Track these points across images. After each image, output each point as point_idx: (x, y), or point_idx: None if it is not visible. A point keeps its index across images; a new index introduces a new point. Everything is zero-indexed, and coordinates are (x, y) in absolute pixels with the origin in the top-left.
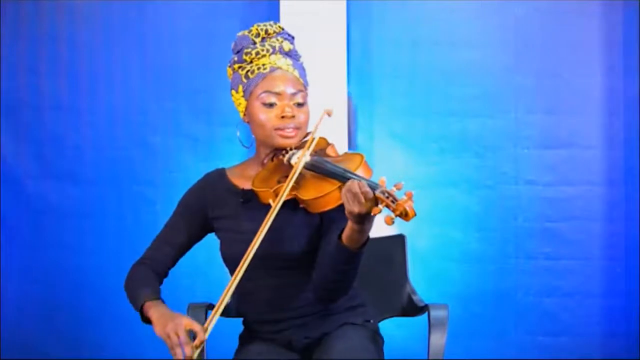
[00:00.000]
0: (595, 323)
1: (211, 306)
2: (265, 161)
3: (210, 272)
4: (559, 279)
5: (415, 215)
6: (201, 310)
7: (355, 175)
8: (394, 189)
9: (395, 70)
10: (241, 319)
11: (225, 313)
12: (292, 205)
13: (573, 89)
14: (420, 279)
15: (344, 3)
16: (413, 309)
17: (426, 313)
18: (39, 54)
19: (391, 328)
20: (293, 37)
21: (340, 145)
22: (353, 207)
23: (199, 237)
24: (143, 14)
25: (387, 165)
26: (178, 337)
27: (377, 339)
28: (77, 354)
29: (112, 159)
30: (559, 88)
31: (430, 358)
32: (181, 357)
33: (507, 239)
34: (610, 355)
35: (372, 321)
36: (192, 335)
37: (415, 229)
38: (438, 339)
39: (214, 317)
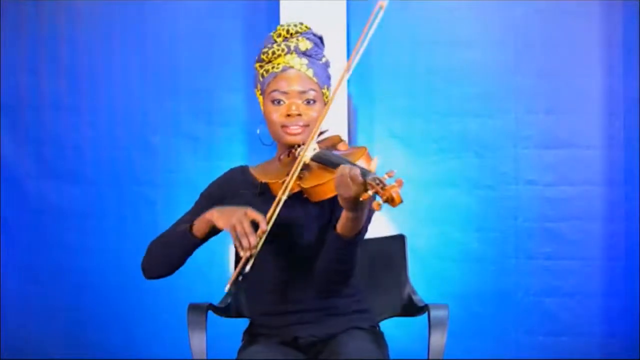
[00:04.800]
0: (595, 323)
1: (211, 306)
2: (281, 157)
3: (210, 273)
4: (559, 279)
5: (401, 201)
6: (201, 311)
7: (353, 164)
8: (385, 176)
9: (395, 70)
10: (242, 319)
11: (226, 313)
12: (300, 199)
13: (573, 89)
14: (420, 279)
15: (344, 3)
16: (413, 309)
17: (426, 313)
18: (39, 54)
19: (391, 328)
20: (319, 37)
21: None
22: (343, 191)
23: (217, 231)
24: (143, 14)
25: (387, 166)
26: (243, 227)
27: (382, 343)
28: (77, 354)
29: (112, 159)
30: (559, 88)
31: (430, 358)
32: (247, 246)
33: (507, 239)
34: (610, 355)
35: (377, 327)
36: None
37: (415, 229)
38: (438, 339)
39: (277, 208)
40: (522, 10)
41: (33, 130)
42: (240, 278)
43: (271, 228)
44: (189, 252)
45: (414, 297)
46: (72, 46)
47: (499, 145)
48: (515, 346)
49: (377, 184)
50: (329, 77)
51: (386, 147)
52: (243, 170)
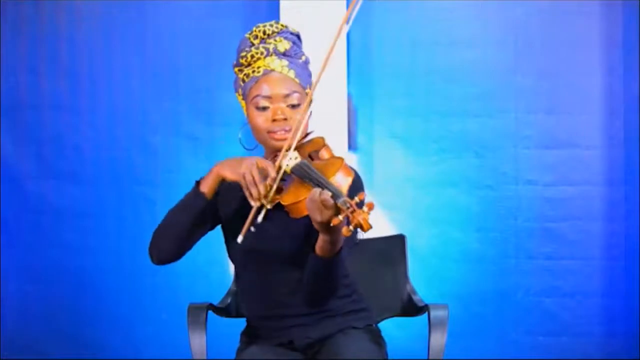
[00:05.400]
0: (595, 323)
1: (211, 306)
2: None
3: (210, 273)
4: (559, 279)
5: (370, 228)
6: (201, 311)
7: (326, 182)
8: (356, 199)
9: (395, 70)
10: (242, 319)
11: (226, 313)
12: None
13: (573, 89)
14: (420, 279)
15: (344, 3)
16: (413, 309)
17: (426, 313)
18: (39, 54)
19: (391, 328)
20: (297, 35)
21: (340, 145)
22: (315, 216)
23: (211, 222)
24: (143, 14)
25: (387, 165)
26: (252, 176)
27: (380, 341)
28: (77, 354)
29: (112, 159)
30: (559, 88)
31: (430, 358)
32: (257, 195)
33: (507, 239)
34: (610, 355)
35: (374, 325)
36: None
37: (415, 229)
38: (438, 339)
39: (284, 152)
40: (522, 10)
41: (33, 130)
42: (252, 229)
43: (259, 235)
44: (197, 216)
45: (414, 297)
46: (72, 46)
47: (499, 145)
48: (515, 346)
49: (347, 208)
50: (310, 75)
51: (386, 147)
52: None
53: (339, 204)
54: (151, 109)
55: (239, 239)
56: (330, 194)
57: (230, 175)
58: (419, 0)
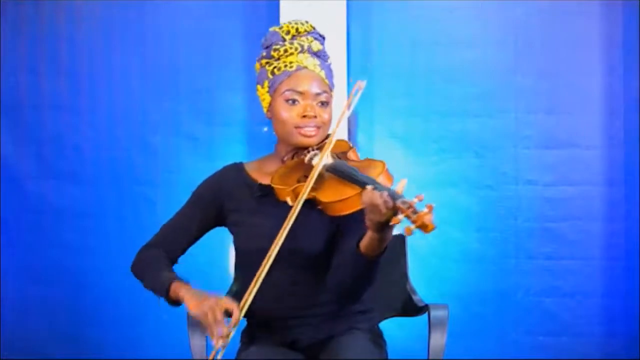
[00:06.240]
0: (595, 323)
1: None
2: (285, 158)
3: (211, 273)
4: (559, 279)
5: (434, 228)
6: None
7: (377, 183)
8: (415, 200)
9: (395, 70)
10: (242, 319)
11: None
12: (308, 204)
13: (573, 89)
14: (420, 279)
15: (344, 3)
16: (413, 309)
17: (426, 313)
18: (39, 54)
19: (391, 328)
20: (324, 38)
21: None
22: (375, 216)
23: (210, 228)
24: (143, 14)
25: (387, 166)
26: (215, 316)
27: (381, 342)
28: (77, 354)
29: (112, 159)
30: (559, 88)
31: (430, 358)
32: (218, 335)
33: (507, 239)
34: (610, 355)
35: (376, 327)
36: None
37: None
38: (438, 339)
39: (249, 298)
40: (522, 10)
41: (33, 130)
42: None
43: (276, 234)
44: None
45: (414, 297)
46: (72, 46)
47: (499, 145)
48: (515, 346)
49: (408, 209)
50: (333, 77)
51: (386, 147)
52: (237, 168)
53: (397, 204)
54: (151, 109)
55: None
56: (387, 193)
57: (193, 310)
58: (419, 0)
